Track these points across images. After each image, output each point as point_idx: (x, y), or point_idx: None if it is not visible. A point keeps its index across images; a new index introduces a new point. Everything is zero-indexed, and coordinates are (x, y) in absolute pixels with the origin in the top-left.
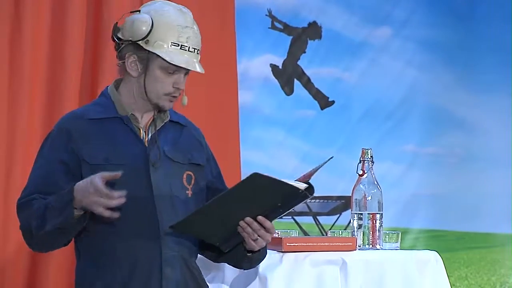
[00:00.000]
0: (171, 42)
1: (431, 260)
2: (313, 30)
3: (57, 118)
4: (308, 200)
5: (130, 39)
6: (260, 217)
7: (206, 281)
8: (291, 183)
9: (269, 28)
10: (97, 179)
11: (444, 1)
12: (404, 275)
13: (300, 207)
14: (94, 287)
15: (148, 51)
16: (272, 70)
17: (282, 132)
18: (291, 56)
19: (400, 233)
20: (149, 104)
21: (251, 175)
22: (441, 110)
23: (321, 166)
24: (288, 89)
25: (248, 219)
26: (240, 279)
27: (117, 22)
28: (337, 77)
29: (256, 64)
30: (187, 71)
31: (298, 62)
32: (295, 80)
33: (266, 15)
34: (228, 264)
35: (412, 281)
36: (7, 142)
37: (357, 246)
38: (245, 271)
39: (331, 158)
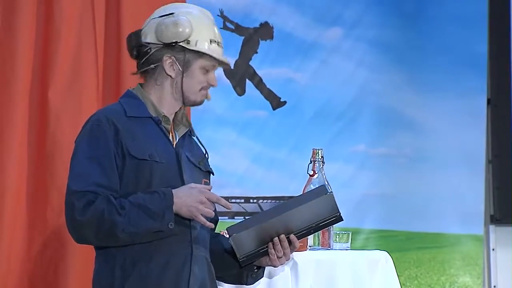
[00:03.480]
0: (211, 39)
1: (381, 260)
2: (265, 31)
3: (5, 120)
4: (260, 201)
5: (173, 41)
6: (292, 236)
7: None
8: (338, 208)
9: (220, 28)
10: (210, 191)
11: (394, 1)
12: (354, 275)
13: (252, 207)
14: (127, 282)
15: (190, 50)
16: (223, 71)
17: (233, 133)
18: (242, 57)
19: (350, 233)
20: (178, 105)
21: (321, 190)
22: (391, 110)
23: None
24: (239, 89)
25: (282, 236)
26: None
27: (140, 30)
28: (289, 77)
29: None
30: (217, 68)
31: (250, 63)
32: (247, 80)
33: (217, 15)
34: (225, 278)
35: (363, 281)
36: None
37: (307, 246)
38: None
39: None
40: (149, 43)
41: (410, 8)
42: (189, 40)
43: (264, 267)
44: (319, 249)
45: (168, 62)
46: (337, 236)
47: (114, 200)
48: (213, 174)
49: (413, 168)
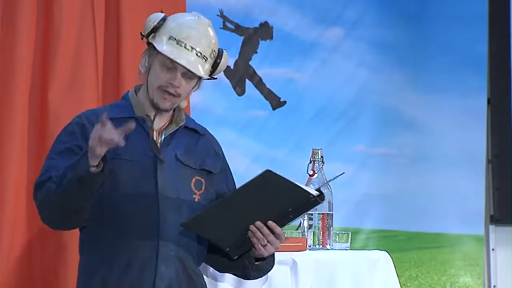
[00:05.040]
0: (170, 36)
1: (381, 260)
2: (265, 31)
3: (5, 120)
4: None
5: (142, 35)
6: (270, 222)
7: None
8: (302, 187)
9: (220, 28)
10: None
11: (395, 1)
12: (354, 275)
13: None
14: (92, 279)
15: (152, 45)
16: (223, 71)
17: (233, 133)
18: (242, 57)
19: (350, 233)
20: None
21: (264, 172)
22: (392, 110)
23: (333, 180)
24: (239, 89)
25: (258, 223)
26: None
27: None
28: (289, 77)
29: None
30: (184, 71)
31: (250, 63)
32: (247, 80)
33: (217, 15)
34: (234, 274)
35: (362, 281)
36: None
37: (307, 246)
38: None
39: (343, 173)
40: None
41: (411, 8)
42: (154, 35)
43: (269, 259)
44: (319, 249)
45: (142, 58)
46: (337, 236)
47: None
48: (212, 173)
49: (413, 168)
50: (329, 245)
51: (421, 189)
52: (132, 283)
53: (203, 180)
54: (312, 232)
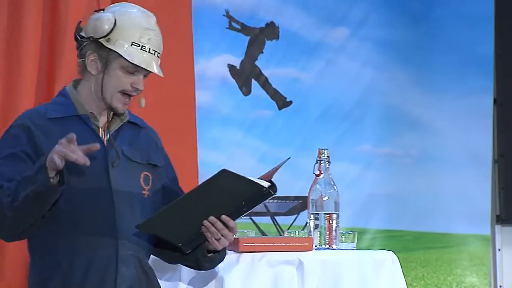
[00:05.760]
0: (132, 42)
1: (388, 260)
2: (271, 31)
3: (13, 116)
4: (266, 201)
5: (92, 36)
6: (224, 217)
7: (158, 281)
8: (255, 180)
9: (226, 28)
10: (70, 138)
11: (401, 1)
12: (360, 275)
13: (257, 207)
14: (50, 283)
15: (109, 49)
16: (229, 70)
17: (240, 132)
18: (248, 57)
19: (356, 233)
20: (103, 104)
21: (220, 172)
22: (397, 110)
23: (280, 166)
24: (245, 89)
25: (212, 218)
26: (196, 280)
27: (80, 21)
28: (295, 77)
29: (214, 64)
30: (146, 73)
31: (256, 63)
32: (253, 80)
33: (223, 15)
34: (185, 265)
35: (368, 281)
36: None
37: (313, 246)
38: (202, 271)
39: (289, 158)
40: (81, 37)
41: (416, 8)
42: (109, 38)
43: (221, 251)
44: (325, 249)
45: (91, 59)
46: (343, 236)
47: (7, 184)
48: (158, 166)
49: (419, 168)
50: (335, 245)
51: (427, 189)
52: (94, 286)
53: (150, 175)
54: (318, 232)
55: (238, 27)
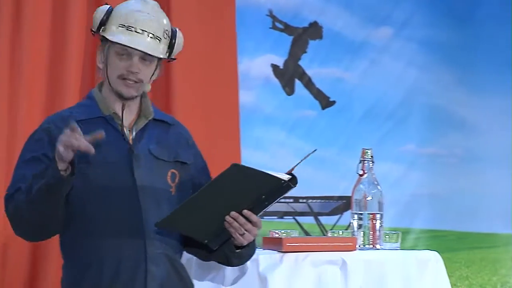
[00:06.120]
0: (119, 24)
1: (432, 260)
2: (314, 30)
3: None
4: (310, 201)
5: (92, 30)
6: (245, 211)
7: (191, 279)
8: (272, 174)
9: (270, 28)
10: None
11: (445, 1)
12: (404, 275)
13: (301, 207)
14: (81, 285)
15: (106, 39)
16: (273, 70)
17: (283, 132)
18: (292, 56)
19: (400, 233)
20: (119, 100)
21: (230, 167)
22: (441, 110)
23: (304, 159)
24: (289, 89)
25: (233, 213)
26: (240, 279)
27: None
28: (338, 77)
29: (257, 64)
30: (140, 55)
31: (299, 62)
32: (296, 80)
33: (267, 15)
34: (217, 262)
35: (413, 281)
36: (7, 142)
37: (357, 246)
38: (246, 271)
39: (315, 150)
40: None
41: (461, 8)
42: (104, 28)
43: (250, 245)
44: (368, 249)
45: (98, 53)
46: (387, 236)
47: (24, 185)
48: (187, 164)
49: (463, 168)
50: (379, 245)
51: (471, 189)
52: (124, 286)
53: (177, 172)
54: (362, 232)
55: (282, 26)
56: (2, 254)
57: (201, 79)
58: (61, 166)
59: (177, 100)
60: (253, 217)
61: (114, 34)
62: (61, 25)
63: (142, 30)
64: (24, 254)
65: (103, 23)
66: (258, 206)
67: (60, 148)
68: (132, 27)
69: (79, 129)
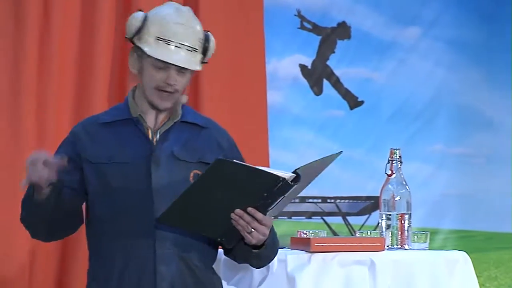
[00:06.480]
0: (156, 37)
1: (460, 261)
2: (342, 30)
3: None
4: (338, 201)
5: (126, 37)
6: (250, 209)
7: (215, 280)
8: (269, 170)
9: (298, 28)
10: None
11: (473, 1)
12: (432, 276)
13: (329, 207)
14: (94, 285)
15: (139, 47)
16: (301, 70)
17: (311, 132)
18: (320, 56)
19: (428, 233)
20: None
21: (214, 162)
22: (470, 110)
23: (318, 161)
24: (317, 89)
25: (238, 211)
26: (268, 280)
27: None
28: (366, 77)
29: (285, 64)
30: (177, 68)
31: (327, 62)
32: (324, 80)
33: (295, 15)
34: (240, 262)
35: (441, 282)
36: (35, 143)
37: (385, 246)
38: (274, 271)
39: (341, 152)
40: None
41: (489, 8)
42: (140, 36)
43: (268, 245)
44: (397, 249)
45: (132, 60)
46: (415, 236)
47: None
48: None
49: (491, 168)
50: (407, 245)
51: (499, 189)
52: (132, 285)
53: (200, 173)
54: (390, 232)
55: (310, 27)
56: (32, 252)
57: (229, 80)
58: (41, 195)
59: (206, 100)
60: (258, 214)
61: (152, 47)
62: (90, 24)
63: (181, 44)
64: (53, 253)
65: (138, 31)
66: (263, 204)
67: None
68: (171, 41)
69: (40, 159)
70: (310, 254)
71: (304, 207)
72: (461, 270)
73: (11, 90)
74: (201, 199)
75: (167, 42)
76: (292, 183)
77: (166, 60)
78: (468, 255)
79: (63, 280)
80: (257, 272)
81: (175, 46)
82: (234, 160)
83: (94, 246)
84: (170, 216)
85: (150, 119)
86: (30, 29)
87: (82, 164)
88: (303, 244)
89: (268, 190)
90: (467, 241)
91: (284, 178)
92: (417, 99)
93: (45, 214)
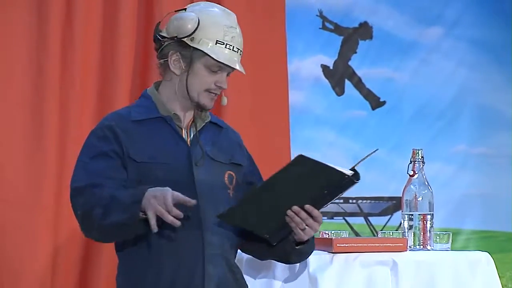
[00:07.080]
0: (217, 40)
1: (482, 261)
2: (364, 30)
3: None
4: (360, 201)
5: (175, 36)
6: (307, 206)
7: (245, 280)
8: (336, 168)
9: (320, 28)
10: (171, 194)
11: (495, 1)
12: (455, 276)
13: (351, 207)
14: (140, 283)
15: (193, 48)
16: (323, 71)
17: (333, 133)
18: (342, 57)
19: (451, 234)
20: (189, 103)
21: (296, 157)
22: (492, 110)
23: (367, 157)
24: (339, 89)
25: (295, 208)
26: (290, 280)
27: (159, 22)
28: (388, 77)
29: (307, 64)
30: (229, 71)
31: (349, 63)
32: (346, 80)
33: (317, 15)
34: (275, 260)
35: (463, 282)
36: (58, 142)
37: (407, 247)
38: (296, 271)
39: (377, 150)
40: (163, 37)
41: (510, 8)
42: (193, 37)
43: (310, 242)
44: (419, 250)
45: (174, 58)
46: (438, 237)
47: (106, 186)
48: (241, 166)
49: None
50: (430, 245)
51: None
52: (183, 285)
53: (234, 174)
54: (412, 233)
55: (332, 27)
56: (55, 254)
57: (251, 80)
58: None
59: (228, 101)
60: (315, 212)
61: (213, 50)
62: (112, 25)
63: (237, 49)
64: (76, 255)
65: (193, 32)
66: (320, 201)
67: (151, 216)
68: (230, 45)
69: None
70: (332, 254)
71: (326, 207)
72: (483, 271)
73: (34, 91)
74: (267, 196)
75: (227, 45)
76: (355, 181)
77: (229, 64)
78: (491, 255)
79: (84, 281)
80: (279, 272)
81: (234, 50)
82: (311, 157)
83: (136, 245)
84: (231, 214)
85: (184, 118)
86: (52, 31)
87: (125, 161)
88: (325, 244)
89: (330, 187)
90: (489, 241)
91: (349, 176)
92: (439, 99)
93: (127, 237)
